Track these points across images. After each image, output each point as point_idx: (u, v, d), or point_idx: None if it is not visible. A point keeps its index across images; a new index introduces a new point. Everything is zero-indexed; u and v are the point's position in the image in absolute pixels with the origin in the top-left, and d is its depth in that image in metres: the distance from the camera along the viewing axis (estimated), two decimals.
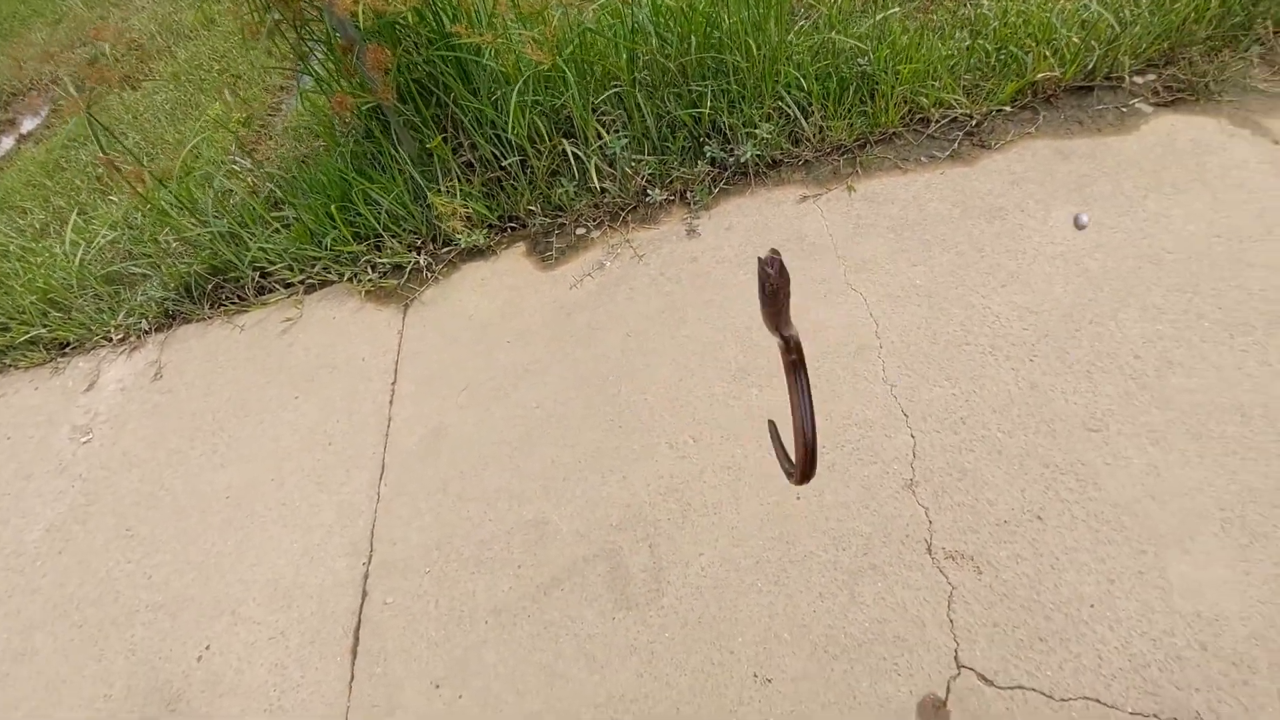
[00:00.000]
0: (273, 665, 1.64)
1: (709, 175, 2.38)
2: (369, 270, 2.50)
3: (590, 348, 2.05)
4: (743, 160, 2.32)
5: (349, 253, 2.50)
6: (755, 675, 1.38)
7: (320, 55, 2.50)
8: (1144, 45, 2.18)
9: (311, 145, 3.13)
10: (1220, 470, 1.42)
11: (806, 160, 2.35)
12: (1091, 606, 1.32)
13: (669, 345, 1.99)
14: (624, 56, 2.32)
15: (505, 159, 2.45)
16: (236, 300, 2.62)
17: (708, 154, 2.35)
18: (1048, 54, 2.21)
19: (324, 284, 2.57)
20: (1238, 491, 1.38)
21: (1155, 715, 1.19)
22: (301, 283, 2.58)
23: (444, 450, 1.95)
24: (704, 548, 1.58)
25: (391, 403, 2.11)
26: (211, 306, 2.63)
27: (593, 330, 2.10)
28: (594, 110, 2.45)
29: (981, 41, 2.34)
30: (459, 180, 2.47)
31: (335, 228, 2.47)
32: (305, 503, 1.94)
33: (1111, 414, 1.55)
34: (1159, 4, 2.23)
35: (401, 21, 2.28)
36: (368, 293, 2.47)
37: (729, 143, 2.39)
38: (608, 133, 2.44)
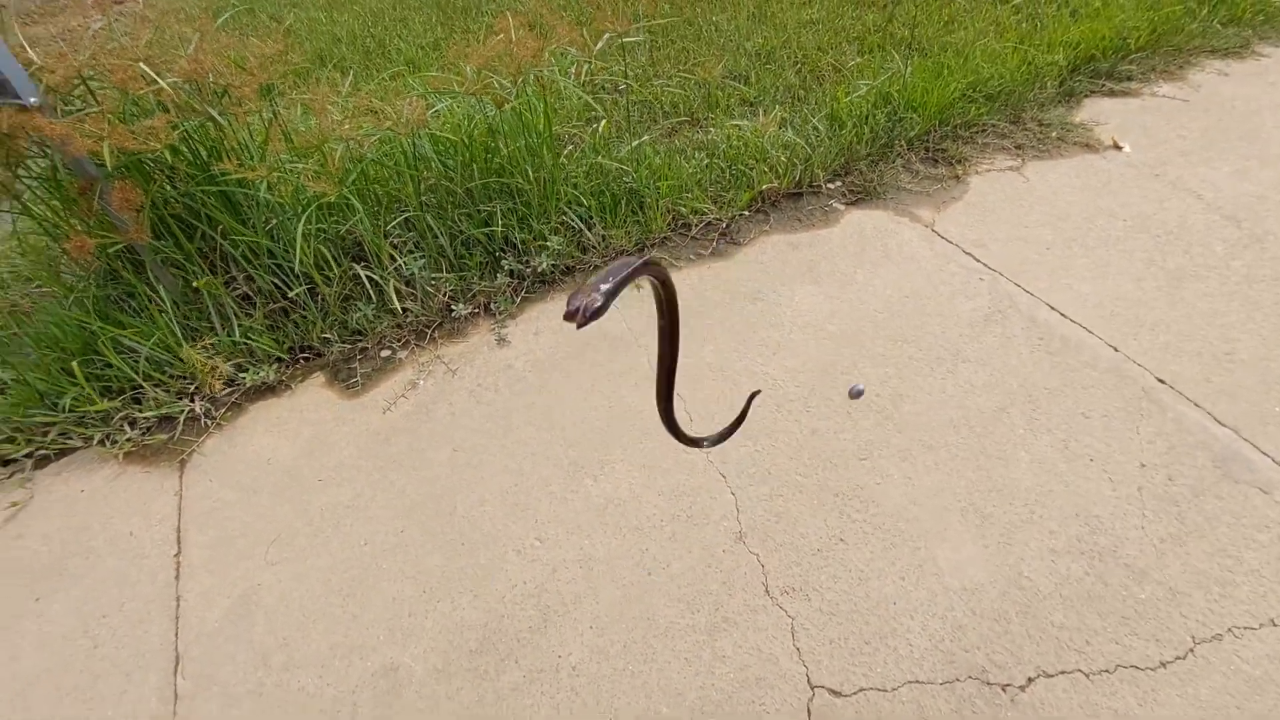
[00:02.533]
0: None
1: (509, 286, 2.52)
2: (126, 428, 2.15)
3: (416, 470, 1.99)
4: (539, 270, 2.51)
5: (96, 412, 2.14)
6: None
7: (40, 193, 2.20)
8: (829, 160, 2.88)
9: (24, 294, 2.65)
10: (950, 472, 1.84)
11: (595, 265, 2.62)
12: (894, 604, 1.59)
13: (499, 453, 2.01)
14: (409, 184, 2.41)
15: (290, 289, 2.34)
16: None
17: (505, 267, 2.50)
18: (767, 170, 2.80)
19: (62, 453, 2.14)
20: (965, 486, 1.81)
21: (955, 679, 1.47)
22: (29, 456, 2.12)
23: (257, 619, 1.70)
24: (571, 647, 1.59)
25: (178, 578, 1.80)
26: None
27: (416, 452, 2.04)
28: (385, 235, 2.48)
29: (717, 161, 2.88)
30: (235, 316, 2.29)
31: (76, 385, 2.11)
32: None
33: (872, 443, 1.93)
34: (833, 133, 2.97)
35: (153, 158, 2.13)
36: (127, 455, 2.12)
37: (524, 255, 2.57)
38: (401, 254, 2.48)
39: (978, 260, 2.50)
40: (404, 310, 2.38)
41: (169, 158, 2.15)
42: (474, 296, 2.48)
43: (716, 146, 2.98)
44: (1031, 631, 1.53)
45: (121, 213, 1.98)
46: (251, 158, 2.21)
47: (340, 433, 2.13)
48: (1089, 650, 1.49)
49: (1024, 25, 3.78)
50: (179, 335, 2.22)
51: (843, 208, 2.82)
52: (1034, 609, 1.56)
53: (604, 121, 2.92)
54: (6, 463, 2.12)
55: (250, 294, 2.42)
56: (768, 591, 1.64)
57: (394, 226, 2.49)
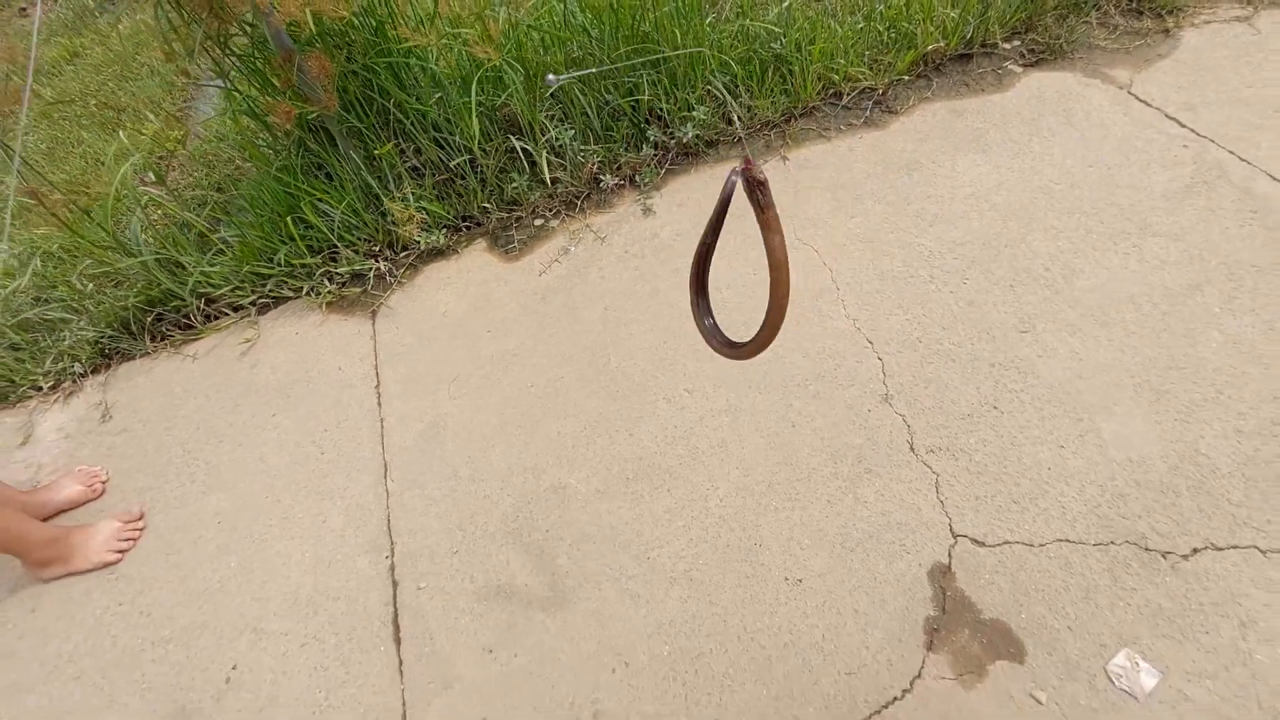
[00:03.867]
0: (312, 669, 1.63)
1: (654, 158, 2.54)
2: (326, 282, 2.48)
3: (572, 326, 2.16)
4: (684, 141, 2.50)
5: (304, 266, 2.47)
6: (786, 578, 1.54)
7: (244, 71, 2.45)
8: (1008, 16, 2.56)
9: (230, 168, 3.02)
10: (1125, 348, 1.73)
11: (740, 138, 2.56)
12: (1049, 469, 1.58)
13: (647, 313, 2.13)
14: (559, 52, 2.44)
15: (452, 160, 2.51)
16: (181, 330, 2.50)
17: (650, 139, 2.52)
18: (933, 29, 2.55)
19: (279, 301, 2.51)
20: (1141, 362, 1.70)
21: (1111, 542, 1.46)
22: (253, 304, 2.51)
23: (446, 440, 1.98)
24: (719, 482, 1.73)
25: (380, 404, 2.12)
26: (154, 340, 2.50)
27: (571, 310, 2.20)
28: (537, 106, 2.55)
29: (874, 23, 2.65)
30: (410, 184, 2.50)
31: (286, 241, 2.43)
32: (308, 513, 1.92)
33: (1036, 317, 1.84)
34: None
35: (336, 30, 2.30)
36: (329, 305, 2.45)
37: (668, 127, 2.56)
38: (552, 126, 2.56)
39: (1184, 126, 2.19)
40: (554, 181, 2.48)
41: (348, 31, 2.31)
42: (619, 168, 2.54)
43: (874, 7, 2.73)
44: (1204, 506, 1.47)
45: (316, 82, 2.18)
46: (424, 26, 2.33)
47: (502, 291, 2.33)
48: (1269, 529, 1.41)
49: None
50: (368, 198, 2.47)
51: (1020, 70, 2.53)
52: (1209, 485, 1.49)
53: None
54: (238, 309, 2.53)
55: (419, 166, 2.62)
56: (913, 449, 1.68)
57: (545, 98, 2.56)
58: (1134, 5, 2.59)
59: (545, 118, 2.57)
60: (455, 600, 1.68)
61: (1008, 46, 2.60)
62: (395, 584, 1.74)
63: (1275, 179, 1.98)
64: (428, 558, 1.76)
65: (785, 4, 2.67)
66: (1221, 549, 1.42)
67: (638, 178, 2.52)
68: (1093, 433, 1.61)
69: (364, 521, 1.87)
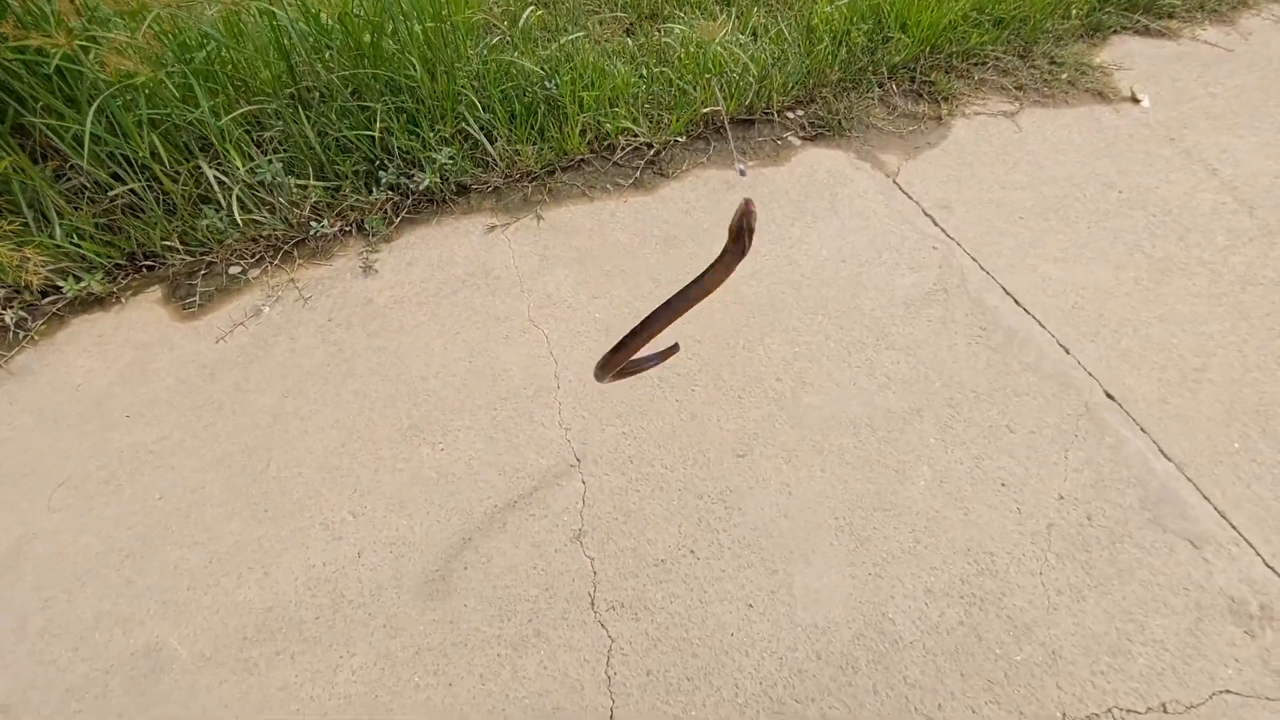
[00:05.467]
0: None
1: (389, 203, 2.16)
2: None
3: (236, 415, 1.73)
4: (424, 187, 2.14)
5: None
6: None
7: None
8: (791, 83, 2.42)
9: None
10: (835, 481, 1.58)
11: (496, 187, 2.24)
12: (731, 635, 1.38)
13: (332, 404, 1.75)
14: (266, 68, 2.00)
15: (127, 184, 1.99)
16: None
17: (383, 180, 2.14)
18: (713, 89, 2.35)
19: None
20: (848, 500, 1.55)
21: None
22: None
23: (25, 572, 1.50)
24: (357, 647, 1.39)
25: None
26: None
27: (241, 393, 1.78)
28: (245, 127, 2.09)
29: (665, 70, 2.42)
30: (60, 213, 1.96)
31: None
32: None
33: (756, 437, 1.66)
34: (804, 48, 2.49)
35: None
36: None
37: (411, 167, 2.19)
38: (265, 153, 2.10)
39: (937, 224, 2.12)
40: (252, 222, 2.03)
41: None
42: (345, 212, 2.13)
43: (671, 52, 2.51)
44: (879, 686, 1.31)
45: None
46: (50, 23, 1.79)
47: (164, 360, 1.85)
48: (938, 718, 1.28)
49: None
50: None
51: (799, 143, 2.40)
52: (889, 659, 1.34)
53: (532, 10, 2.43)
54: None
55: (86, 186, 2.07)
56: (593, 605, 1.42)
57: (251, 119, 2.10)
58: (914, 87, 2.54)
59: (256, 142, 2.11)
60: None
61: (791, 115, 2.46)
62: None
63: (1007, 292, 1.94)
64: None
65: (569, 37, 2.39)
66: None
67: (366, 224, 2.13)
68: (785, 588, 1.43)
69: None
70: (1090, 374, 1.75)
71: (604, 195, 2.23)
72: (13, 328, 1.91)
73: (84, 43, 1.78)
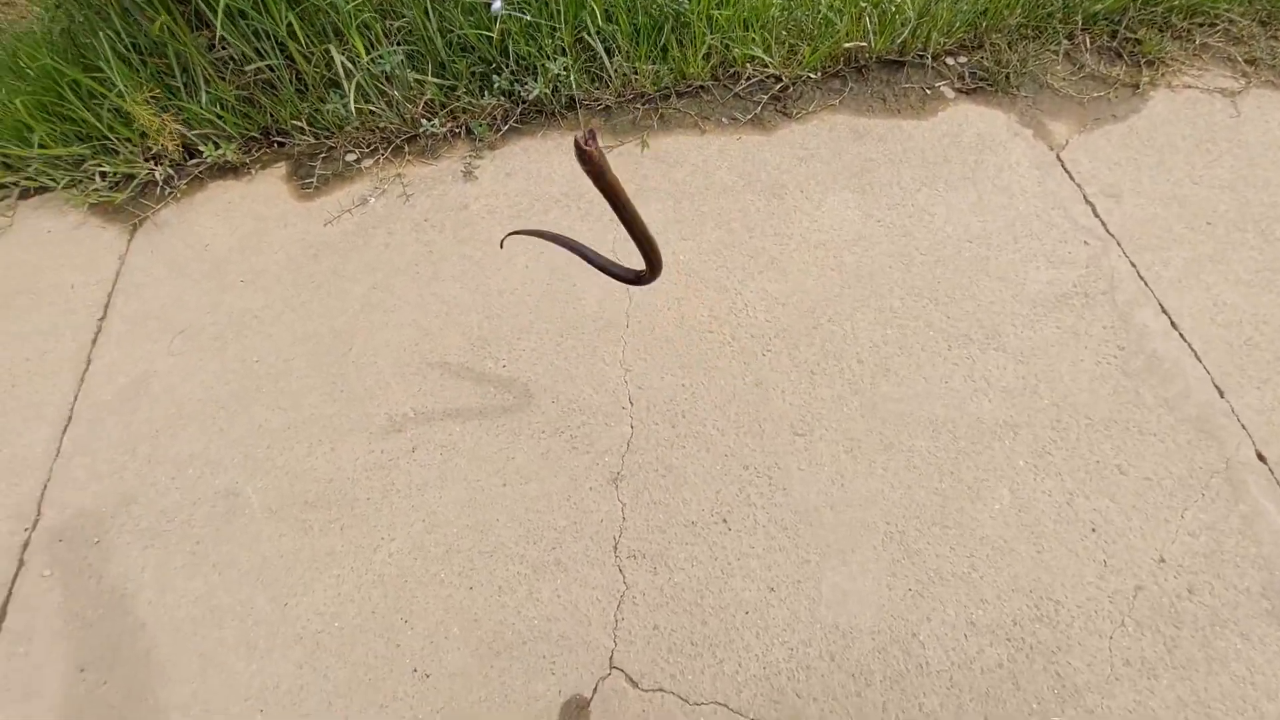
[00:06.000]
0: None
1: (499, 110, 2.13)
2: (96, 178, 2.12)
3: (330, 298, 1.84)
4: (534, 97, 2.09)
5: (69, 155, 2.10)
6: (415, 670, 1.33)
7: None
8: (955, 24, 2.09)
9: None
10: (897, 484, 1.45)
11: (608, 105, 2.15)
12: (746, 614, 1.34)
13: (415, 301, 1.81)
14: None
15: (265, 60, 2.09)
16: None
17: (495, 85, 2.10)
18: (866, 21, 2.07)
19: (42, 190, 2.16)
20: (906, 506, 1.42)
21: None
22: (15, 184, 2.16)
23: (143, 404, 1.72)
24: (397, 533, 1.48)
25: (94, 342, 1.83)
26: None
27: (338, 278, 1.88)
28: (381, 12, 2.11)
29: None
30: (208, 80, 2.10)
31: (47, 120, 2.06)
32: None
33: (820, 418, 1.54)
34: None
35: None
36: (93, 205, 2.10)
37: (526, 74, 2.13)
38: (393, 43, 2.12)
39: (1097, 215, 1.80)
40: (368, 113, 2.08)
41: None
42: (457, 113, 2.13)
43: None
44: (890, 706, 1.24)
45: None
46: None
47: (278, 235, 1.99)
48: None
49: None
50: (167, 86, 2.06)
51: (952, 95, 2.09)
52: (908, 681, 1.26)
53: None
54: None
55: (234, 59, 2.20)
56: (615, 549, 1.43)
57: (386, 5, 2.10)
58: (1114, 44, 2.11)
59: (385, 32, 2.12)
60: (73, 600, 1.47)
61: (951, 61, 2.14)
62: (21, 564, 1.52)
63: (1164, 311, 1.63)
64: (66, 542, 1.54)
65: None
66: None
67: (473, 128, 2.12)
68: (812, 581, 1.36)
69: (21, 480, 1.63)
70: (1244, 426, 1.46)
71: (717, 129, 2.08)
72: (161, 183, 2.12)
73: None
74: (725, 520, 1.44)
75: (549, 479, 1.52)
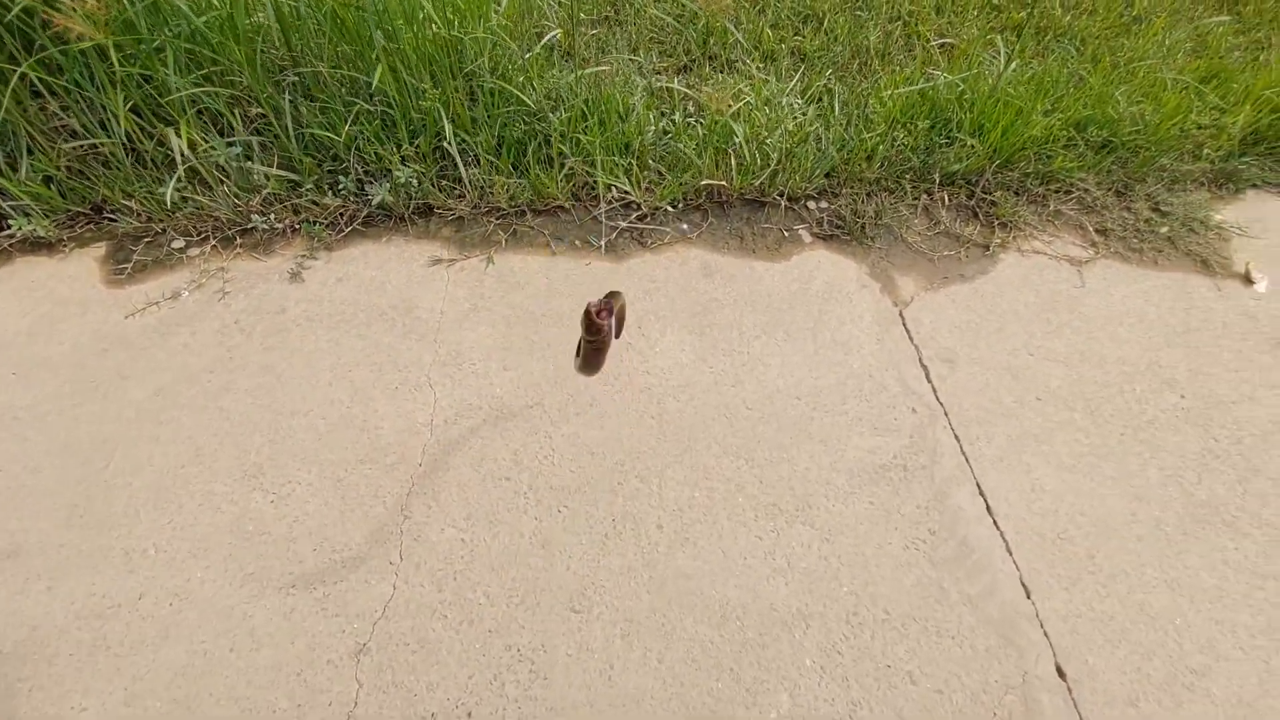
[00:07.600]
0: None
1: (344, 210, 2.04)
2: None
3: (106, 401, 1.66)
4: (375, 202, 2.00)
5: None
6: None
7: None
8: (816, 171, 2.10)
9: None
10: (670, 680, 1.30)
11: (461, 216, 2.07)
12: None
13: (195, 416, 1.64)
14: (238, 49, 1.91)
15: (112, 134, 1.97)
16: None
17: (342, 186, 2.01)
18: (728, 159, 2.07)
19: None
20: (674, 712, 1.27)
21: None
22: None
23: None
24: (90, 701, 1.26)
25: None
26: None
27: (120, 379, 1.71)
28: (236, 102, 2.03)
29: (697, 126, 2.15)
30: (31, 151, 1.96)
31: None
32: None
33: (602, 593, 1.40)
34: (853, 132, 2.15)
35: None
36: None
37: (372, 175, 2.06)
38: (246, 128, 2.03)
39: (929, 380, 1.76)
40: (191, 201, 1.97)
41: None
42: (300, 209, 2.03)
43: (692, 108, 2.24)
44: None
45: None
46: None
47: (72, 323, 1.82)
48: None
49: (1238, 53, 2.60)
50: None
51: (809, 239, 2.08)
52: None
53: (559, 32, 2.23)
54: None
55: (74, 131, 2.08)
56: None
57: (243, 95, 2.03)
58: (969, 202, 2.14)
59: (246, 118, 2.04)
60: None
61: (811, 206, 2.14)
62: None
63: (981, 493, 1.56)
64: None
65: (591, 70, 2.17)
66: None
67: (308, 228, 2.02)
68: None
69: None
70: (1046, 634, 1.37)
71: (569, 251, 2.01)
72: None
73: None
74: (469, 715, 1.26)
75: (285, 646, 1.33)
